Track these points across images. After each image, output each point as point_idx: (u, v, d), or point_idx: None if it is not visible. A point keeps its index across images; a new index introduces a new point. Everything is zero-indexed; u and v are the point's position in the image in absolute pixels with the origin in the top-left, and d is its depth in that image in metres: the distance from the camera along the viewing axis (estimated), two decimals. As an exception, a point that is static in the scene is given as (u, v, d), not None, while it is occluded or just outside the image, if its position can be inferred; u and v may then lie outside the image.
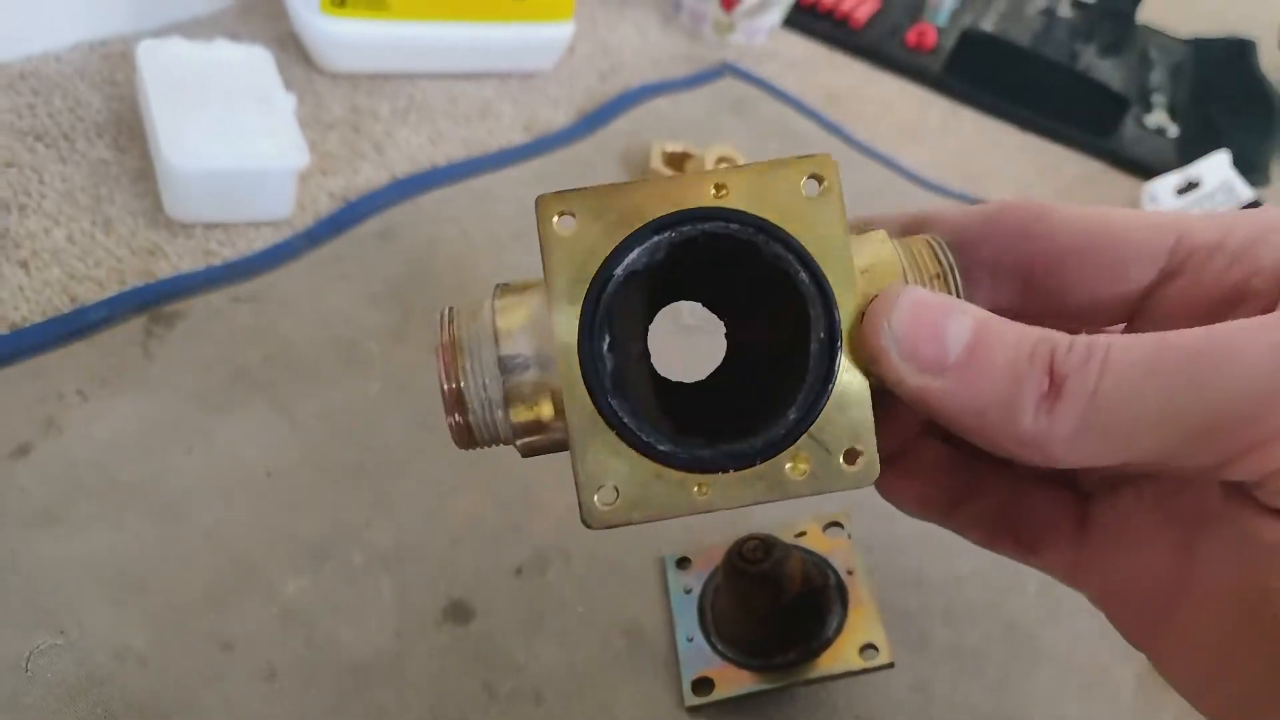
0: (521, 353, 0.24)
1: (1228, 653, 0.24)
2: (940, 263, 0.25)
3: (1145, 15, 1.01)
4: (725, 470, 0.23)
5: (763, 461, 0.23)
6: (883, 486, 0.29)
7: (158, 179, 0.50)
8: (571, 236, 0.23)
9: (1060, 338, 0.21)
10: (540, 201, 0.23)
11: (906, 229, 0.27)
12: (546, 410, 0.24)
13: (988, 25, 0.93)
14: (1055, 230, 0.26)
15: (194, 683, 0.35)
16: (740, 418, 0.24)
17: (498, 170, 0.60)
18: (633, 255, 0.23)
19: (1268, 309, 0.22)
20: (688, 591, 0.41)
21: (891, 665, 0.37)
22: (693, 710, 0.38)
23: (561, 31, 0.67)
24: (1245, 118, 0.87)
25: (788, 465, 0.23)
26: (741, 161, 0.63)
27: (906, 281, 0.24)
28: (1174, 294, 0.25)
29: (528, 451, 0.25)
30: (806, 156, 0.23)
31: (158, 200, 0.50)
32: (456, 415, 0.25)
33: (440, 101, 0.64)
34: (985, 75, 0.85)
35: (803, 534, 0.41)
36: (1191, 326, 0.22)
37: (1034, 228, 0.26)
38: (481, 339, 0.24)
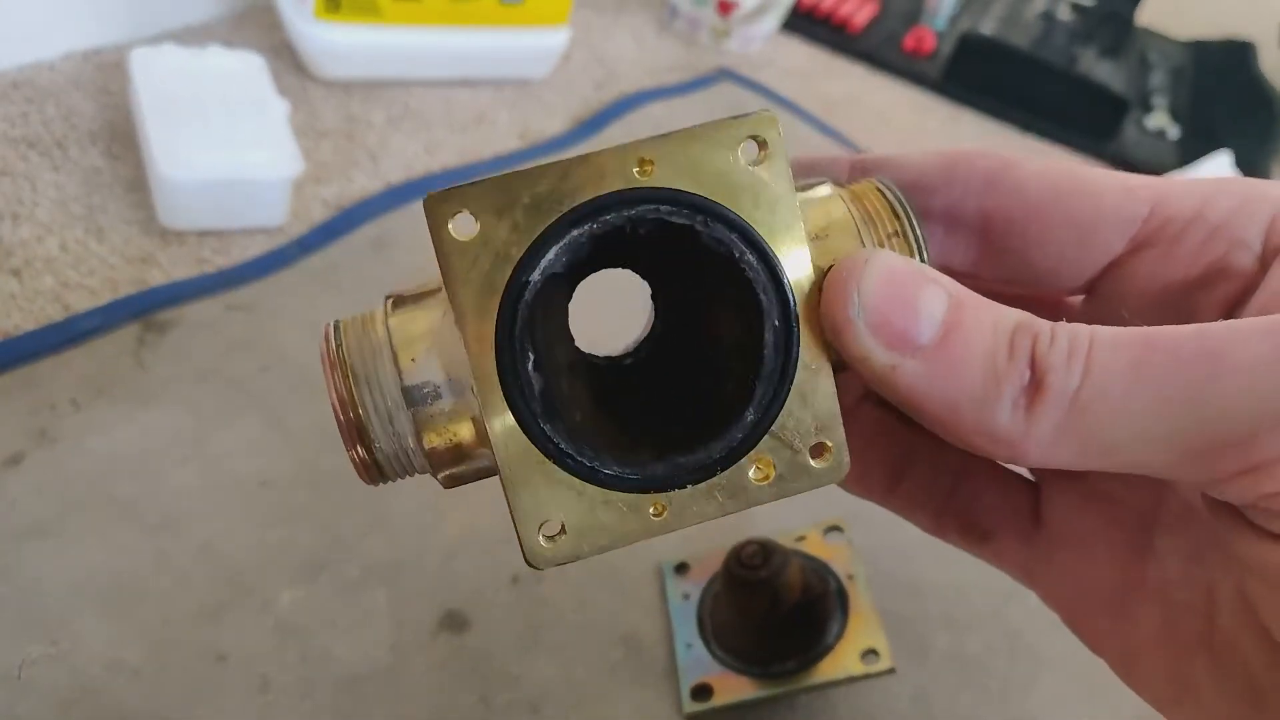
0: (430, 380, 0.20)
1: (1190, 667, 0.23)
2: (899, 219, 0.22)
3: (1144, 18, 1.01)
4: (682, 486, 0.20)
5: (722, 471, 0.20)
6: None
7: (151, 187, 0.50)
8: (474, 240, 0.19)
9: (1041, 325, 0.19)
10: (429, 201, 0.19)
11: (854, 173, 0.25)
12: (467, 434, 0.21)
13: (986, 29, 0.93)
14: (1023, 184, 0.23)
15: (187, 695, 0.34)
16: (694, 422, 0.21)
17: (494, 177, 0.60)
18: (549, 255, 0.19)
19: (1247, 289, 0.21)
20: (686, 598, 0.40)
21: (893, 670, 0.36)
22: (691, 717, 0.37)
23: (556, 38, 0.67)
24: (1245, 119, 0.87)
25: (750, 471, 0.20)
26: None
27: (863, 244, 0.22)
28: (1144, 266, 0.23)
29: (451, 483, 0.22)
30: (742, 116, 0.20)
31: (151, 209, 0.50)
32: (359, 449, 0.21)
33: (435, 109, 0.64)
34: (984, 79, 0.85)
35: (802, 539, 0.41)
36: (1160, 302, 0.21)
37: (1000, 179, 0.24)
38: (380, 365, 0.21)
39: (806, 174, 0.24)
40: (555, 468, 0.20)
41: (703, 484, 0.20)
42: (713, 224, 0.20)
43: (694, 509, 0.20)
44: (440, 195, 0.19)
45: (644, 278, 0.22)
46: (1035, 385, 0.18)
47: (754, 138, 0.20)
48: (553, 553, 0.20)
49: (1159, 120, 0.87)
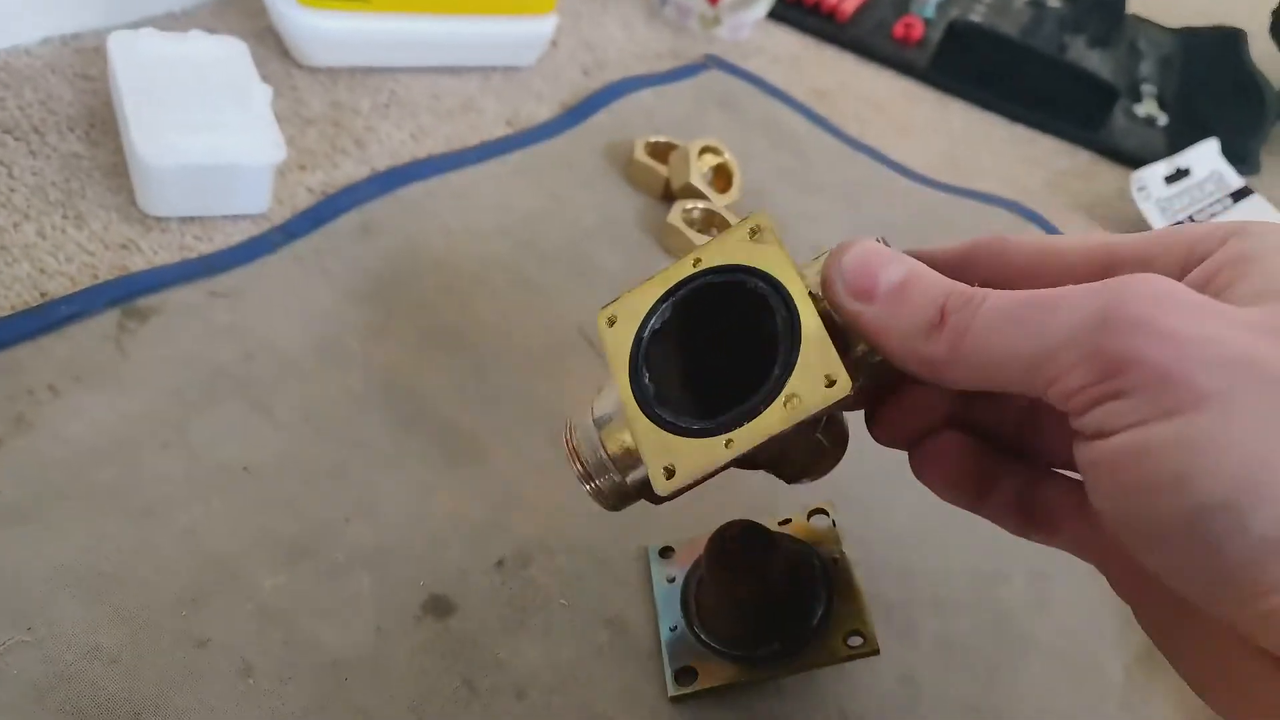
0: (606, 410, 0.33)
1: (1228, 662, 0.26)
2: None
3: (1134, 6, 1.01)
4: (741, 424, 0.30)
5: (764, 407, 0.29)
6: (916, 468, 0.33)
7: (131, 173, 0.49)
8: (617, 330, 0.33)
9: (962, 290, 0.27)
10: (599, 315, 0.34)
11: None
12: (630, 441, 0.32)
13: (975, 16, 0.93)
14: (1011, 257, 0.31)
15: (167, 681, 0.34)
16: (743, 388, 0.30)
17: (480, 164, 0.59)
18: (653, 320, 0.32)
19: None
20: (671, 581, 0.40)
21: (877, 653, 0.36)
22: (676, 700, 0.37)
23: (544, 25, 0.67)
24: (1234, 107, 0.87)
25: (785, 402, 0.29)
26: (727, 155, 0.62)
27: None
28: None
29: (623, 500, 0.34)
30: (744, 219, 0.32)
31: (131, 195, 0.49)
32: (587, 484, 0.34)
33: (422, 96, 0.63)
34: (973, 68, 0.85)
35: (787, 521, 0.41)
36: None
37: (997, 257, 0.31)
38: (584, 414, 0.34)
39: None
40: (663, 431, 0.31)
41: (754, 419, 0.30)
42: (731, 274, 0.31)
43: (752, 434, 0.30)
44: (602, 310, 0.33)
45: (718, 329, 0.33)
46: (942, 323, 0.26)
47: (754, 228, 0.31)
48: (668, 484, 0.30)
49: (1148, 108, 0.87)
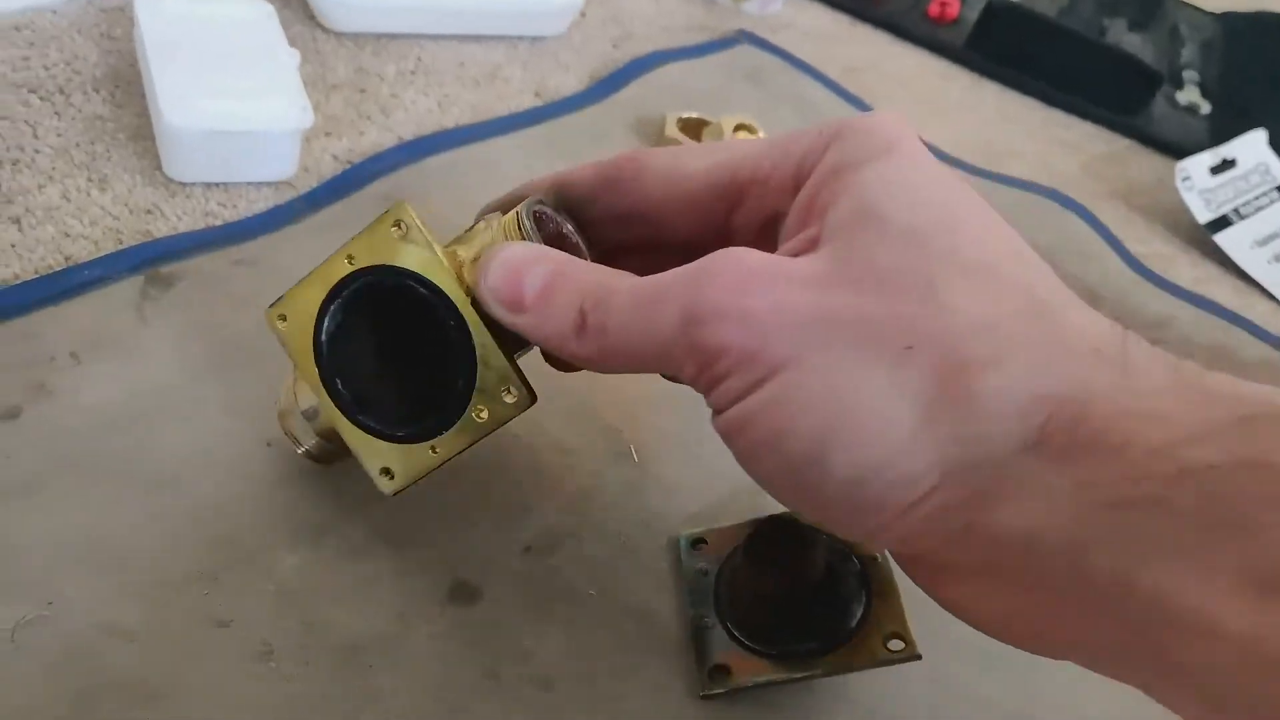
0: (311, 404, 0.36)
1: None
2: (521, 229, 0.31)
3: (1175, -11, 0.99)
4: (440, 433, 0.33)
5: (459, 419, 0.33)
6: None
7: (156, 137, 0.48)
8: (291, 328, 0.34)
9: (596, 289, 0.28)
10: (266, 315, 0.34)
11: (534, 193, 0.34)
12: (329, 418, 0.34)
13: (1013, -3, 0.91)
14: (646, 184, 0.32)
15: (184, 661, 0.33)
16: (441, 395, 0.33)
17: (507, 135, 0.58)
18: (326, 323, 0.33)
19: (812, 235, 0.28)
20: (703, 573, 0.39)
21: (918, 658, 0.35)
22: (706, 698, 0.36)
23: (575, -6, 0.65)
24: (1279, 95, 0.85)
25: (474, 414, 0.32)
26: (761, 133, 0.61)
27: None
28: (742, 220, 0.31)
29: (325, 437, 0.37)
30: (387, 212, 0.32)
31: (156, 159, 0.48)
32: (304, 456, 0.38)
33: (448, 64, 0.62)
34: (1009, 49, 0.83)
35: (823, 517, 0.40)
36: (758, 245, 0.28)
37: (630, 182, 0.33)
38: (290, 405, 0.37)
39: (501, 207, 0.36)
40: (371, 437, 0.34)
41: (451, 429, 0.33)
42: (391, 277, 0.32)
43: (453, 443, 0.33)
44: (270, 308, 0.34)
45: (398, 323, 0.33)
46: (584, 326, 0.28)
47: (396, 223, 0.31)
48: (390, 485, 0.34)
49: (1190, 95, 0.85)
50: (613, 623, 0.38)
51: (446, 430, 0.33)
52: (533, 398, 0.32)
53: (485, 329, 0.31)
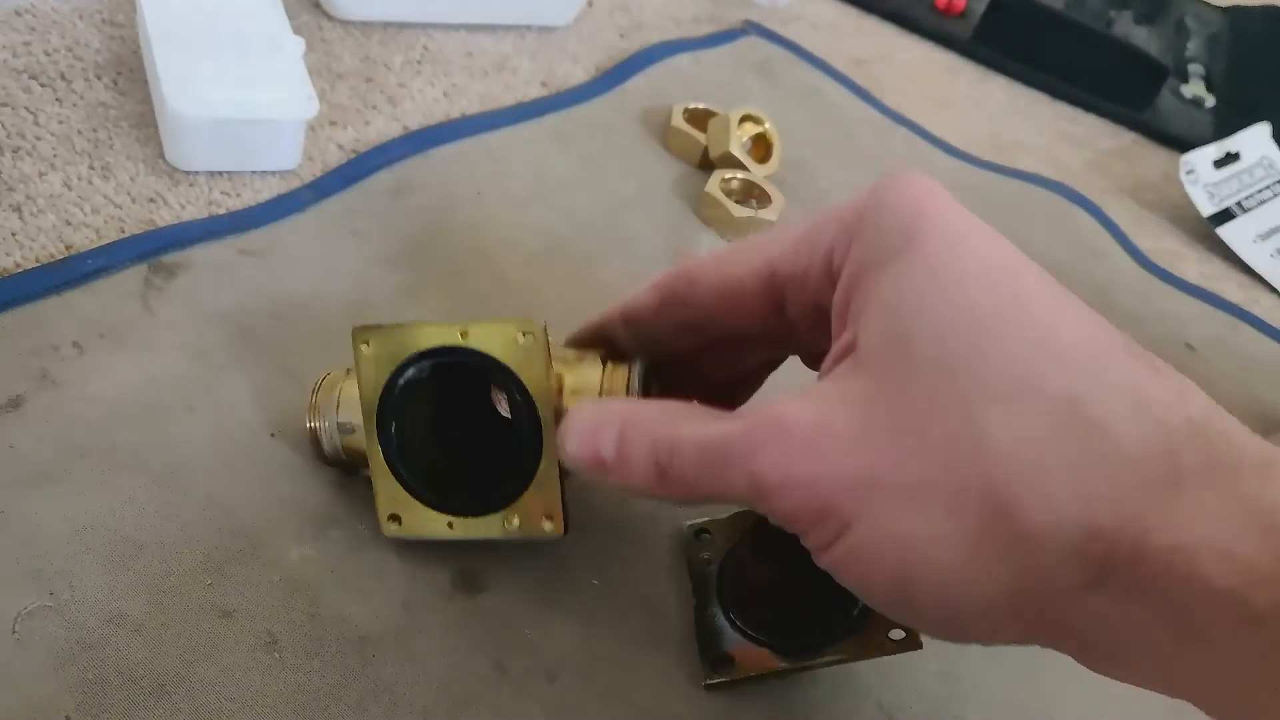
0: (350, 420, 0.36)
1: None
2: (628, 389, 0.34)
3: (1182, -17, 0.98)
4: (464, 516, 0.35)
5: (487, 512, 0.35)
6: None
7: (159, 125, 0.48)
8: (372, 356, 0.34)
9: (665, 442, 0.29)
10: (354, 332, 0.34)
11: (604, 329, 0.36)
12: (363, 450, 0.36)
13: (1020, -11, 0.90)
14: (701, 298, 0.33)
15: (191, 651, 0.33)
16: (483, 481, 0.35)
17: (515, 126, 0.58)
18: (409, 371, 0.34)
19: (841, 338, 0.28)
20: (707, 564, 0.39)
21: (920, 647, 0.35)
22: (710, 688, 0.36)
23: (582, -16, 0.65)
24: (1285, 91, 0.85)
25: (506, 519, 0.35)
26: (767, 124, 0.60)
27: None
28: (795, 313, 0.31)
29: (351, 456, 0.37)
30: (520, 318, 0.33)
31: (159, 147, 0.48)
32: (315, 450, 0.38)
33: (455, 54, 0.61)
34: (1016, 42, 0.82)
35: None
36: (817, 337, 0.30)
37: (686, 298, 0.33)
38: (329, 407, 0.37)
39: (584, 341, 0.37)
40: (398, 484, 0.35)
41: (478, 518, 0.35)
42: (495, 371, 0.33)
43: (471, 530, 0.35)
44: (359, 329, 0.34)
45: (472, 398, 0.36)
46: (663, 477, 0.29)
47: (524, 332, 0.33)
48: (392, 530, 0.36)
49: (1195, 89, 0.85)
50: (618, 613, 0.38)
51: (472, 517, 0.35)
52: (563, 533, 0.34)
53: (557, 460, 0.33)
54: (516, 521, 0.35)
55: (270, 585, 0.35)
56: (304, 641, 0.34)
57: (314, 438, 0.37)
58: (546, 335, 0.33)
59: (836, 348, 0.28)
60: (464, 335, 0.33)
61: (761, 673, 0.36)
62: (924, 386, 0.25)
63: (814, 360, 0.33)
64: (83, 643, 0.32)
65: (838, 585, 0.36)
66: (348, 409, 0.36)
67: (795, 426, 0.27)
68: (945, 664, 0.39)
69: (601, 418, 0.30)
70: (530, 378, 0.33)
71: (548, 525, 0.34)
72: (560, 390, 0.34)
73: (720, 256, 0.33)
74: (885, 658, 0.35)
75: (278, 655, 0.34)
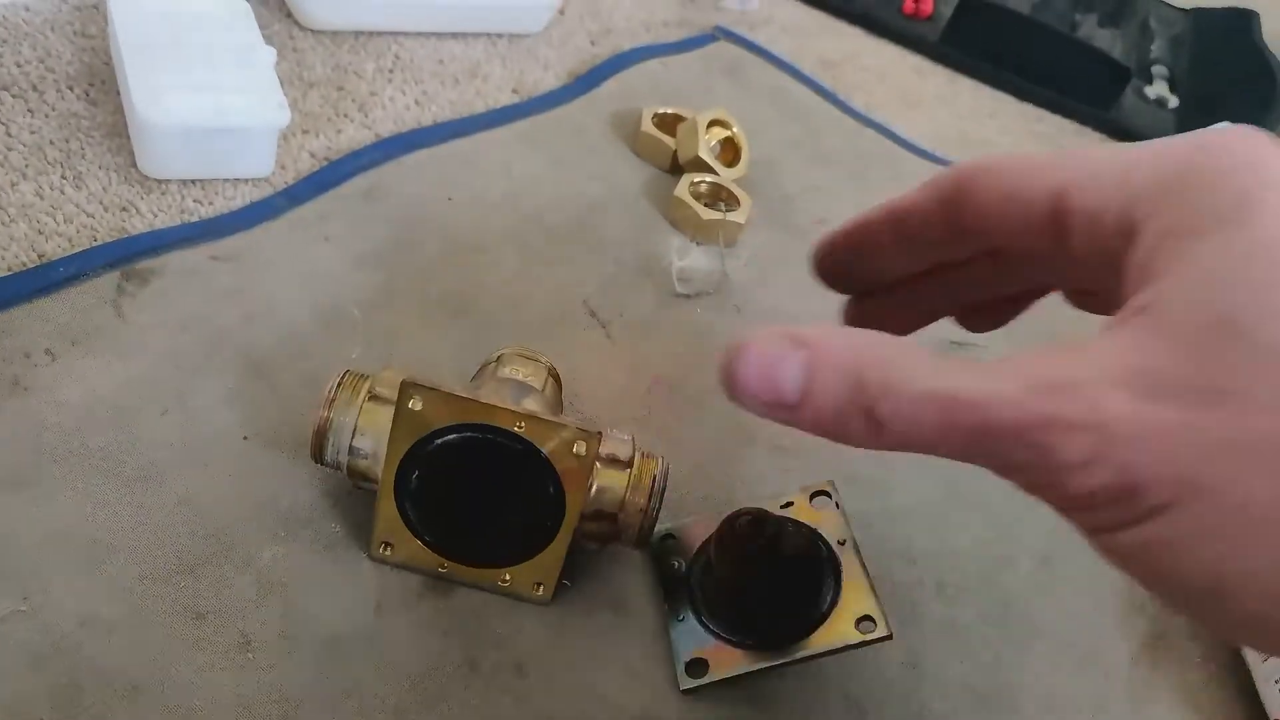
0: (364, 448, 0.37)
1: None
2: (649, 494, 0.37)
3: (1146, -15, 1.00)
4: (459, 563, 0.37)
5: (482, 565, 0.37)
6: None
7: (131, 134, 0.48)
8: (417, 413, 0.34)
9: (873, 386, 0.24)
10: (402, 386, 0.34)
11: (864, 232, 0.33)
12: (373, 472, 0.37)
13: (987, -8, 0.91)
14: (979, 202, 0.29)
15: (164, 653, 0.34)
16: (490, 536, 0.37)
17: (486, 132, 0.58)
18: (449, 435, 0.35)
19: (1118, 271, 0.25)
20: (676, 567, 0.39)
21: (890, 637, 0.35)
22: (689, 693, 0.37)
23: (552, -10, 0.65)
24: (1246, 89, 0.86)
25: (500, 576, 0.37)
26: (735, 128, 0.61)
27: (624, 504, 0.37)
28: (1080, 250, 0.27)
29: (352, 475, 0.38)
30: (581, 429, 0.34)
31: (131, 156, 0.48)
32: (314, 451, 0.37)
33: (427, 62, 0.62)
34: (983, 44, 0.83)
35: (789, 504, 0.40)
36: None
37: (963, 201, 0.30)
38: (345, 425, 0.37)
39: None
40: (400, 519, 0.36)
41: (469, 566, 0.37)
42: (535, 460, 0.35)
43: (461, 575, 0.37)
44: (410, 384, 0.34)
45: (496, 470, 0.36)
46: (876, 426, 0.25)
47: (582, 440, 0.34)
48: (379, 554, 0.37)
49: (1159, 89, 0.86)
50: (588, 612, 0.38)
51: (466, 564, 0.37)
52: (549, 601, 0.37)
53: (566, 547, 0.36)
54: (508, 578, 0.37)
55: (243, 586, 0.36)
56: (277, 641, 0.35)
57: (318, 438, 0.37)
58: (599, 445, 0.35)
59: (1132, 304, 0.24)
60: (519, 426, 0.34)
61: (734, 674, 0.36)
62: (1267, 377, 0.22)
63: (1080, 298, 0.32)
64: (56, 646, 0.33)
65: (805, 581, 0.37)
66: (366, 438, 0.36)
67: (1109, 406, 0.23)
68: (910, 655, 0.40)
69: (782, 345, 0.26)
70: (571, 482, 0.35)
71: (538, 591, 0.37)
72: (591, 484, 0.36)
73: (1003, 166, 0.29)
74: (851, 652, 0.36)
75: (251, 656, 0.34)
